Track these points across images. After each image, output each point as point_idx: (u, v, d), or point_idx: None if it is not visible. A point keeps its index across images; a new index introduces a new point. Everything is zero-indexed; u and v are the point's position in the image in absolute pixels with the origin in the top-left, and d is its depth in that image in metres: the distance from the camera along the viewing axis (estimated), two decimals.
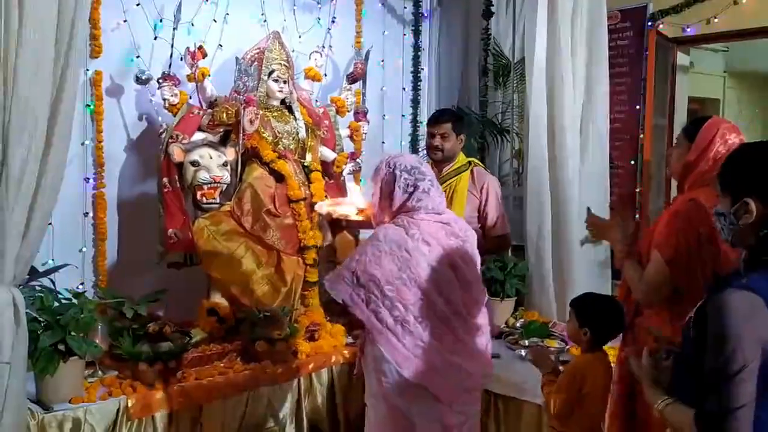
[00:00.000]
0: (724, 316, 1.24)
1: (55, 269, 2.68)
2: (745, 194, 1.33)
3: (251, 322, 2.93)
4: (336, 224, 2.24)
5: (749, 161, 1.37)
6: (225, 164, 3.06)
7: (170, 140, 3.01)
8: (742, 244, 1.36)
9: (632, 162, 4.18)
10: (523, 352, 3.11)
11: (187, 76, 3.18)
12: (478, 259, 2.12)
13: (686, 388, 1.36)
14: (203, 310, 3.08)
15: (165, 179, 3.00)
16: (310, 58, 3.64)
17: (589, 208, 2.45)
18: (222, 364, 2.85)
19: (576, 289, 3.64)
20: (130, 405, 2.48)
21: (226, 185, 3.07)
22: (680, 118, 4.46)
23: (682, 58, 4.39)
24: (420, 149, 4.41)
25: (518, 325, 3.44)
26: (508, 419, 2.78)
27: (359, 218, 2.26)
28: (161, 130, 3.11)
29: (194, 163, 3.00)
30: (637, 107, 4.16)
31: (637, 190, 4.18)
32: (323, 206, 2.30)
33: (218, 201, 3.07)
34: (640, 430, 2.18)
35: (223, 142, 3.17)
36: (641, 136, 4.17)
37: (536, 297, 3.67)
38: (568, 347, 3.16)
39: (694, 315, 1.33)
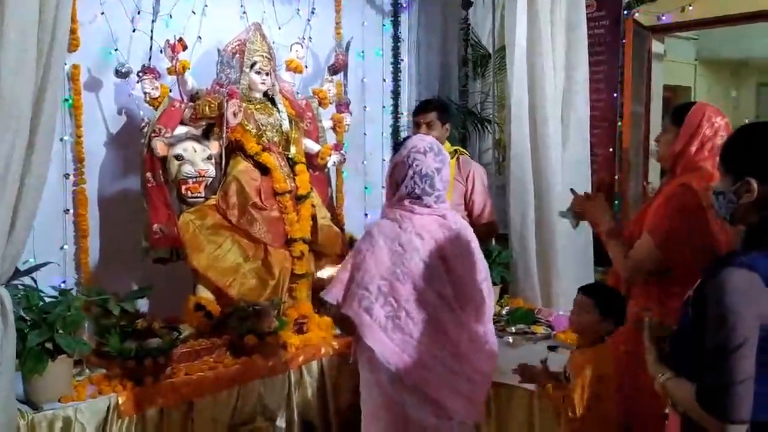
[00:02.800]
0: (724, 294, 1.27)
1: (37, 267, 2.61)
2: (747, 174, 1.35)
3: (240, 317, 2.91)
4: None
5: (753, 141, 1.40)
6: (209, 158, 3.03)
7: (153, 134, 2.97)
8: (742, 222, 1.38)
9: (610, 149, 4.24)
10: (510, 339, 3.15)
11: (168, 69, 3.14)
12: (474, 253, 2.06)
13: (686, 364, 1.38)
14: (190, 306, 3.04)
15: (149, 174, 2.96)
16: (291, 49, 3.61)
17: (572, 189, 2.47)
18: (211, 359, 2.82)
19: (560, 275, 3.70)
20: (120, 402, 2.45)
21: (211, 179, 3.04)
22: (656, 106, 4.53)
23: (657, 46, 4.47)
24: (401, 140, 4.41)
25: (504, 312, 3.47)
26: (499, 405, 2.79)
27: None
28: (143, 125, 3.06)
29: (178, 157, 2.96)
30: (615, 95, 4.21)
31: (616, 177, 4.24)
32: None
33: (203, 195, 3.04)
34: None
35: (207, 135, 3.13)
36: (619, 123, 4.23)
37: (521, 284, 3.70)
38: (554, 332, 3.20)
39: (693, 294, 1.36)
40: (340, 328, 2.14)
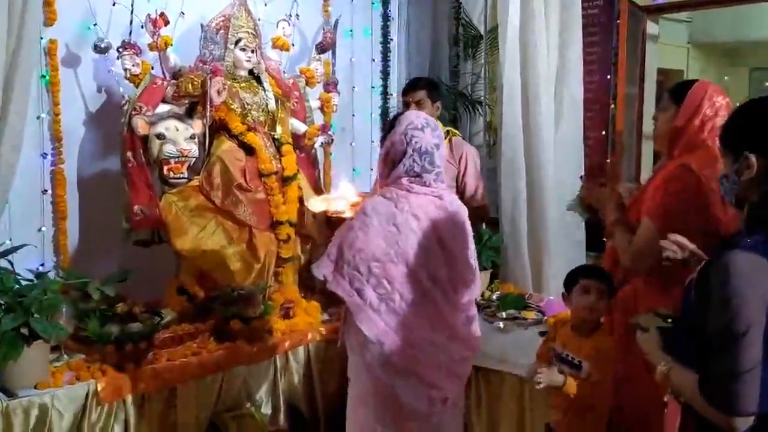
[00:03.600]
0: (728, 278, 1.20)
1: (14, 249, 2.53)
2: (745, 149, 1.29)
3: (224, 301, 2.83)
4: (332, 221, 2.10)
5: (746, 117, 1.35)
6: (192, 137, 2.94)
7: (133, 112, 2.87)
8: (746, 201, 1.32)
9: (603, 132, 4.17)
10: (501, 325, 3.09)
11: (149, 44, 3.03)
12: (468, 235, 2.02)
13: (688, 352, 1.32)
14: (172, 290, 2.98)
15: (129, 153, 2.87)
16: (277, 26, 3.50)
17: (582, 177, 2.41)
18: (195, 344, 2.74)
19: (552, 259, 3.64)
20: (99, 389, 2.37)
21: (194, 159, 2.95)
22: (649, 88, 4.45)
23: (651, 27, 4.37)
24: None
25: (494, 297, 3.41)
26: (490, 391, 2.75)
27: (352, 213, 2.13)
28: (123, 102, 2.97)
29: (160, 136, 2.87)
30: (608, 77, 4.13)
31: (608, 160, 4.17)
32: (314, 204, 2.16)
33: (186, 175, 2.96)
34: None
35: (189, 114, 3.04)
36: (612, 105, 4.15)
37: (511, 269, 3.64)
38: (545, 318, 3.15)
39: (696, 277, 1.30)
40: (327, 301, 2.06)
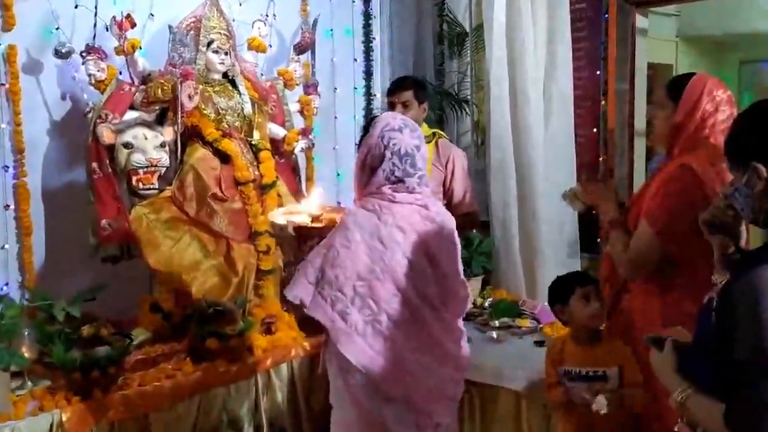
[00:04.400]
0: (758, 297, 1.06)
1: None
2: (751, 159, 1.17)
3: (201, 318, 2.67)
4: (302, 232, 1.91)
5: (749, 126, 1.23)
6: (162, 145, 2.78)
7: (98, 120, 2.72)
8: (762, 213, 1.18)
9: (594, 130, 4.03)
10: (494, 334, 2.94)
11: (115, 48, 2.88)
12: (457, 247, 1.87)
13: (705, 379, 1.18)
14: (145, 307, 2.81)
15: (94, 164, 2.72)
16: (253, 27, 3.34)
17: (583, 174, 2.28)
18: (169, 366, 2.57)
19: (545, 263, 3.50)
20: (65, 419, 2.21)
21: (164, 168, 2.80)
22: (640, 84, 4.32)
23: (640, 21, 4.24)
24: None
25: (486, 304, 3.27)
26: (485, 408, 2.60)
27: (317, 225, 1.95)
28: (88, 110, 2.81)
29: (127, 145, 2.71)
30: (597, 72, 4.00)
31: (600, 158, 4.04)
32: (277, 216, 1.98)
33: (157, 186, 2.80)
34: None
35: (160, 120, 2.88)
36: (603, 102, 4.02)
37: (504, 274, 3.51)
38: (540, 326, 3.01)
39: (718, 298, 1.14)
40: (302, 328, 1.90)
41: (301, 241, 1.84)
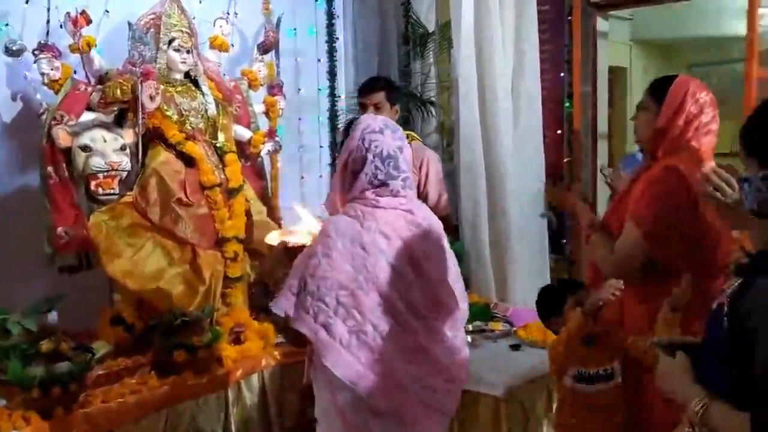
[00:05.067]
0: None
1: None
2: None
3: (166, 329, 2.54)
4: (292, 251, 1.83)
5: None
6: (123, 148, 2.65)
7: (53, 122, 2.59)
8: None
9: (558, 131, 4.05)
10: (468, 338, 2.89)
11: (70, 46, 2.74)
12: (446, 253, 1.80)
13: (717, 386, 1.14)
14: (106, 319, 2.68)
15: (50, 168, 2.58)
16: (214, 25, 3.23)
17: (547, 180, 2.24)
18: (134, 381, 2.45)
19: (516, 265, 3.49)
20: None
21: (125, 172, 2.67)
22: (602, 86, 4.36)
23: (601, 24, 4.29)
24: (339, 125, 4.09)
25: None
26: (463, 414, 2.54)
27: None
28: (41, 111, 2.67)
29: (85, 148, 2.57)
30: (561, 74, 4.02)
31: (566, 160, 4.06)
32: (274, 238, 1.89)
33: (117, 191, 2.69)
34: None
35: (119, 122, 2.76)
36: (566, 104, 4.04)
37: (474, 277, 3.47)
38: (514, 329, 2.98)
39: (729, 303, 1.11)
40: (291, 343, 1.80)
41: (292, 259, 1.75)
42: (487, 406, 2.49)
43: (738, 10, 5.92)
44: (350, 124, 1.77)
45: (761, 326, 1.04)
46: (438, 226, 1.80)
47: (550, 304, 2.07)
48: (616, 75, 6.16)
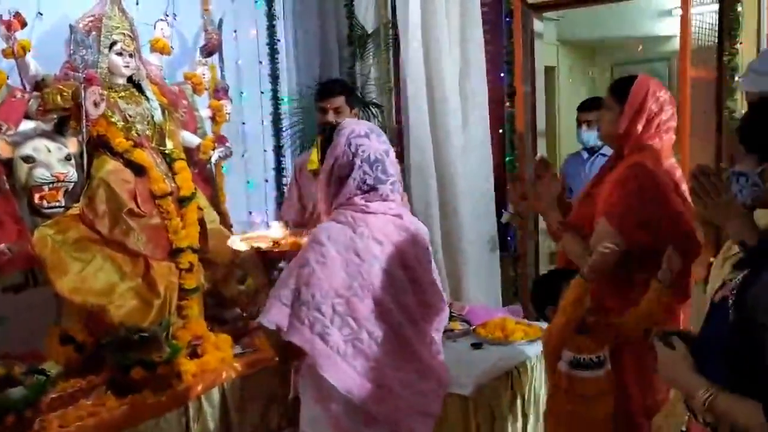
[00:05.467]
0: None
1: None
2: None
3: (122, 346, 2.43)
4: (266, 256, 1.78)
5: None
6: (68, 158, 2.51)
7: None
8: (765, 207, 1.20)
9: (500, 131, 4.12)
10: None
11: (3, 51, 2.57)
12: (431, 256, 1.81)
13: (719, 376, 1.18)
14: (54, 339, 2.53)
15: None
16: (155, 27, 3.11)
17: (512, 183, 2.27)
18: (90, 403, 2.33)
19: (468, 265, 3.53)
20: None
21: (72, 184, 2.52)
22: (539, 86, 4.48)
23: (537, 26, 4.40)
24: (284, 128, 4.04)
25: None
26: None
27: (281, 249, 1.83)
28: None
29: (28, 159, 2.42)
30: (501, 75, 4.10)
31: (507, 159, 4.14)
32: (236, 242, 1.83)
33: (63, 203, 2.53)
34: None
35: (59, 130, 2.60)
36: (507, 104, 4.12)
37: None
38: (472, 328, 3.01)
39: (736, 297, 1.15)
40: (280, 357, 1.75)
41: (267, 265, 1.71)
42: (456, 406, 2.51)
43: (657, 12, 6.26)
44: (332, 131, 1.74)
45: None
46: (423, 229, 1.80)
47: (544, 293, 2.07)
48: (548, 74, 6.35)
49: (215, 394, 2.65)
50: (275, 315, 1.56)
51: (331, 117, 2.76)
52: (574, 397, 1.98)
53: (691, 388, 1.21)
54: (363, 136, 1.68)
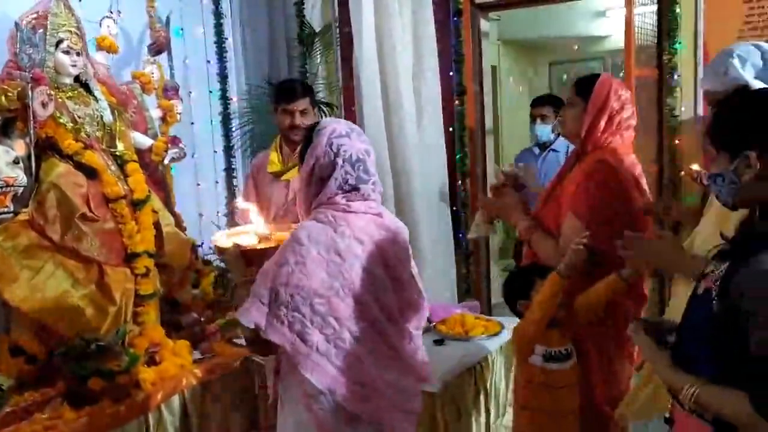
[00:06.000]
0: None
1: None
2: (744, 147, 1.22)
3: (77, 356, 2.34)
4: (248, 254, 1.73)
5: (744, 114, 1.27)
6: (16, 161, 2.40)
7: None
8: (748, 202, 1.25)
9: (450, 129, 4.16)
10: None
11: None
12: (410, 255, 1.81)
13: (704, 366, 1.23)
14: (4, 350, 2.41)
15: None
16: (100, 25, 3.01)
17: (480, 196, 2.30)
18: (45, 416, 2.24)
19: (423, 265, 3.54)
20: None
21: (21, 188, 2.40)
22: (487, 85, 4.54)
23: (483, 25, 4.47)
24: (234, 128, 3.97)
25: None
26: None
27: (267, 246, 1.78)
28: None
29: None
30: (450, 74, 4.14)
31: (458, 157, 4.19)
32: (219, 239, 1.77)
33: (11, 209, 2.42)
34: None
35: (4, 132, 2.48)
36: (456, 102, 4.17)
37: None
38: (433, 324, 3.04)
39: (720, 287, 1.20)
40: (257, 352, 1.71)
41: (249, 263, 1.67)
42: (424, 404, 2.51)
43: (592, 13, 6.47)
44: (311, 132, 1.71)
45: (756, 306, 1.13)
46: (404, 228, 1.81)
47: (518, 289, 2.10)
48: (492, 73, 6.47)
49: (175, 401, 2.58)
50: (254, 315, 1.53)
51: (297, 119, 2.70)
52: (548, 390, 2.02)
53: (675, 383, 1.26)
54: (344, 135, 1.66)
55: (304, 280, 1.55)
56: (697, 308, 1.27)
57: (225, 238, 1.76)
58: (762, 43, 1.84)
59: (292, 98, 2.70)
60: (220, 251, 1.75)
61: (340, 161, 1.63)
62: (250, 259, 1.67)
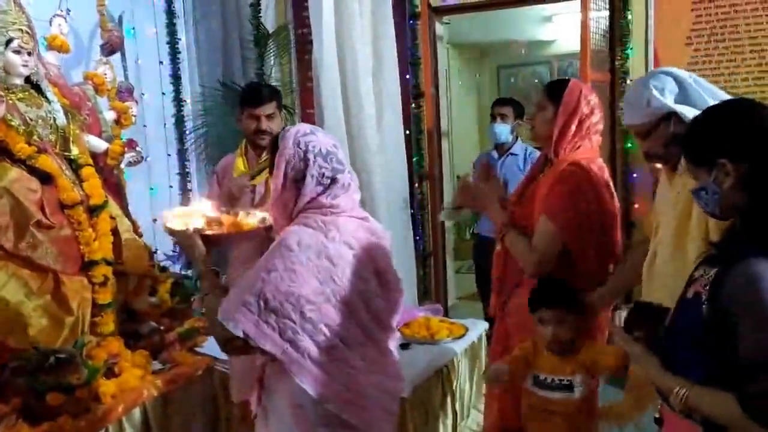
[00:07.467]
0: (763, 289, 1.15)
1: None
2: (717, 157, 1.26)
3: (34, 370, 2.23)
4: (210, 239, 1.67)
5: (711, 126, 1.31)
6: None
7: None
8: (731, 210, 1.29)
9: (407, 132, 4.17)
10: None
11: None
12: (392, 259, 1.80)
13: (694, 370, 1.25)
14: None
15: None
16: (51, 24, 2.89)
17: (458, 176, 2.30)
18: None
19: None
20: None
21: None
22: (443, 87, 4.59)
23: (439, 29, 4.51)
24: (187, 131, 3.87)
25: None
26: None
27: (223, 231, 1.73)
28: None
29: None
30: (407, 76, 4.15)
31: (414, 158, 4.20)
32: (172, 220, 1.70)
33: None
34: None
35: None
36: (412, 105, 4.19)
37: None
38: (398, 328, 3.03)
39: (709, 291, 1.22)
40: (232, 351, 1.64)
41: (209, 247, 1.64)
42: None
43: (539, 17, 6.59)
44: (275, 142, 1.68)
45: (745, 309, 1.16)
46: (388, 235, 1.79)
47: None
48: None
49: (136, 414, 2.50)
50: (242, 322, 1.49)
51: (264, 124, 2.61)
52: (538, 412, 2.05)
53: (665, 385, 1.28)
54: (309, 133, 1.64)
55: (294, 287, 1.51)
56: (686, 312, 1.29)
57: (175, 220, 1.70)
58: (669, 68, 1.86)
59: (258, 102, 2.62)
60: (172, 233, 1.70)
61: (311, 156, 1.59)
62: (214, 242, 1.63)
